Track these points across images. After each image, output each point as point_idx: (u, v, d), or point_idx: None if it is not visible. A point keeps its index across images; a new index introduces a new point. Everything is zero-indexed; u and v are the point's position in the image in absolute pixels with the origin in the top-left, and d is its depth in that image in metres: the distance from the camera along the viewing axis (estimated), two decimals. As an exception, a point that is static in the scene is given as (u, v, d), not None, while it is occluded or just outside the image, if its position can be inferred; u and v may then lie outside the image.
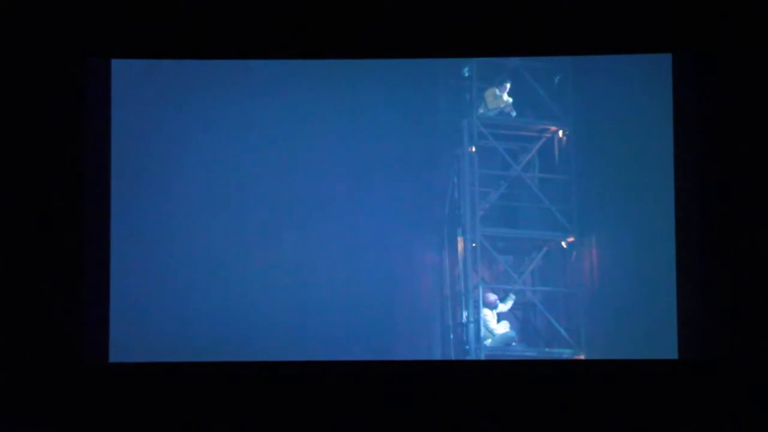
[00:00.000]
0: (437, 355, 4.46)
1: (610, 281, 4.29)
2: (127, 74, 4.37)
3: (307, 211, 4.35)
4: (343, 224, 4.36)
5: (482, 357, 4.44)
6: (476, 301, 4.52)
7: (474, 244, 4.53)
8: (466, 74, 4.59)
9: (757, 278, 4.19)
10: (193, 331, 4.28)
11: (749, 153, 4.23)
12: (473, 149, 4.55)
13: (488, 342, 4.52)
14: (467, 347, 4.47)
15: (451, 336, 4.49)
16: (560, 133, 4.60)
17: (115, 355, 4.28)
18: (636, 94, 4.36)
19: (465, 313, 4.46)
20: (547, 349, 4.53)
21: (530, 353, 4.54)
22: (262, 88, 4.35)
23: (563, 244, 4.54)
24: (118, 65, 4.37)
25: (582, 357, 4.46)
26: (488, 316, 4.55)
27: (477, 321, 4.48)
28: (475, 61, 4.54)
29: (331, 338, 4.28)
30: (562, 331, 4.49)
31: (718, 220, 4.22)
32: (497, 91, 4.61)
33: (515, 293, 4.60)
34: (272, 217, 4.32)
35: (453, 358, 4.47)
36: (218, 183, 4.31)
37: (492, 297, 4.55)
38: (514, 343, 4.56)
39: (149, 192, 4.34)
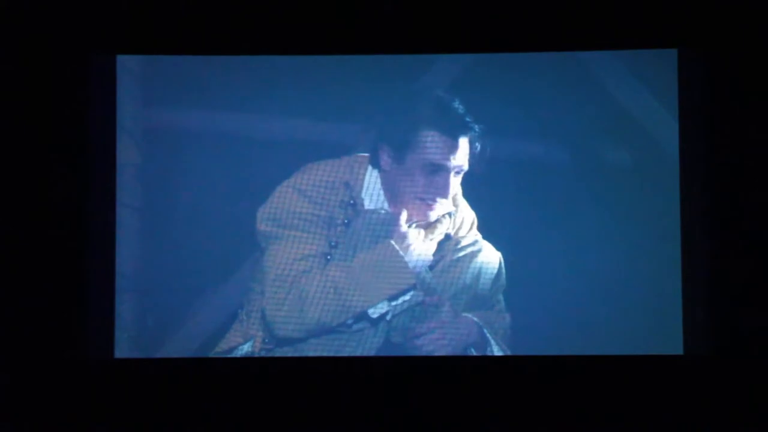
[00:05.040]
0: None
1: (614, 276, 4.27)
2: (132, 70, 4.37)
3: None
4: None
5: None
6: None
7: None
8: None
9: (763, 273, 4.20)
10: (199, 327, 4.30)
11: (755, 149, 4.24)
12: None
13: None
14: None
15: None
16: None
17: (121, 351, 4.28)
18: (641, 89, 4.35)
19: None
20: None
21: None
22: (268, 85, 4.35)
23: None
24: (123, 61, 4.36)
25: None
26: None
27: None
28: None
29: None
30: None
31: (724, 215, 4.23)
32: None
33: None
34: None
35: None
36: (224, 179, 4.31)
37: None
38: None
39: (155, 186, 4.33)
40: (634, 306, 4.26)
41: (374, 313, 4.16)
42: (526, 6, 4.31)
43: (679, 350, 4.24)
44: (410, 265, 4.17)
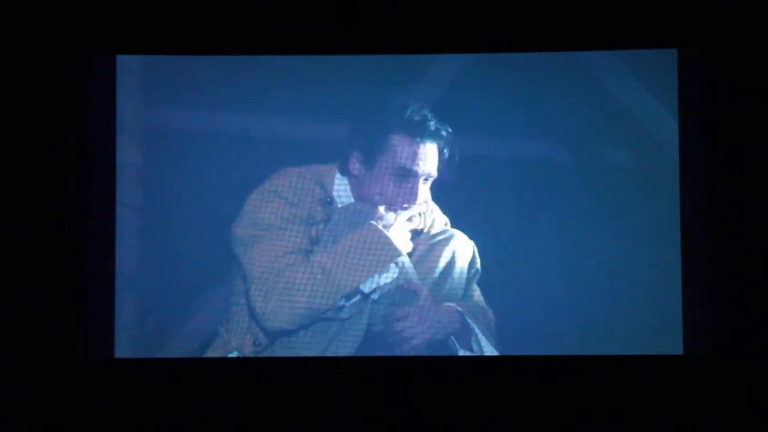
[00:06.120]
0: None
1: (614, 276, 4.27)
2: (132, 70, 4.37)
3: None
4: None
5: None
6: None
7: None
8: None
9: (763, 273, 4.20)
10: (199, 327, 4.30)
11: (755, 149, 4.24)
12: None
13: None
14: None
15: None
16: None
17: (121, 351, 4.29)
18: (641, 89, 4.35)
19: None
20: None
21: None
22: (268, 85, 4.35)
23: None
24: (123, 61, 4.36)
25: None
26: None
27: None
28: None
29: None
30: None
31: (724, 215, 4.22)
32: None
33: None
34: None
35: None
36: (224, 178, 4.31)
37: None
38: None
39: (155, 186, 4.33)
40: (634, 306, 4.26)
41: (367, 287, 4.19)
42: (526, 6, 4.31)
43: (679, 350, 4.23)
44: (393, 241, 4.20)
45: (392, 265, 4.21)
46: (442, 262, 4.26)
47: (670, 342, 4.24)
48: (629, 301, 4.26)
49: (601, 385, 4.24)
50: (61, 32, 4.29)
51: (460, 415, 4.25)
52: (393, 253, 4.20)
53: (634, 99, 4.34)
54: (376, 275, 4.20)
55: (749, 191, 4.23)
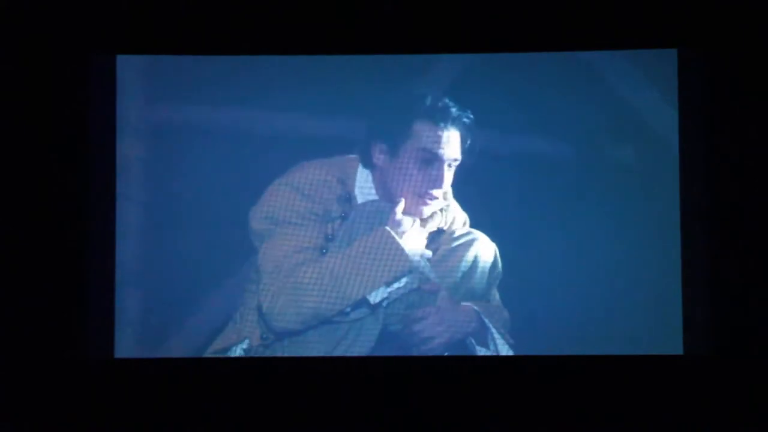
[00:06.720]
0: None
1: (614, 276, 4.28)
2: (135, 66, 4.37)
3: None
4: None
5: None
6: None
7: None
8: None
9: (763, 273, 4.20)
10: (204, 324, 4.30)
11: (755, 149, 4.24)
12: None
13: None
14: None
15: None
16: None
17: (125, 348, 4.28)
18: (640, 89, 4.35)
19: None
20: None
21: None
22: (268, 84, 4.35)
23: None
24: (126, 58, 4.36)
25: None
26: None
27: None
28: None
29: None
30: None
31: (724, 215, 4.23)
32: None
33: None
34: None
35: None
36: (224, 178, 4.31)
37: None
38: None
39: (159, 183, 4.33)
40: (634, 306, 4.26)
41: (373, 298, 4.17)
42: (527, 6, 4.31)
43: (679, 350, 4.23)
44: (406, 250, 4.18)
45: (403, 278, 4.20)
46: (464, 264, 4.25)
47: (670, 342, 4.24)
48: (629, 301, 4.26)
49: (601, 385, 4.24)
50: (61, 32, 4.29)
51: (459, 415, 4.25)
52: (405, 264, 4.18)
53: (638, 96, 4.34)
54: (384, 286, 4.19)
55: (749, 191, 4.23)
